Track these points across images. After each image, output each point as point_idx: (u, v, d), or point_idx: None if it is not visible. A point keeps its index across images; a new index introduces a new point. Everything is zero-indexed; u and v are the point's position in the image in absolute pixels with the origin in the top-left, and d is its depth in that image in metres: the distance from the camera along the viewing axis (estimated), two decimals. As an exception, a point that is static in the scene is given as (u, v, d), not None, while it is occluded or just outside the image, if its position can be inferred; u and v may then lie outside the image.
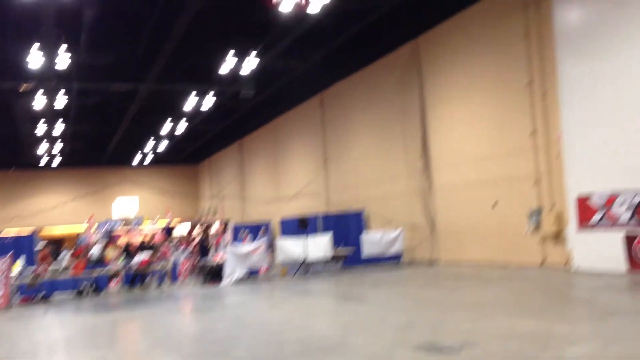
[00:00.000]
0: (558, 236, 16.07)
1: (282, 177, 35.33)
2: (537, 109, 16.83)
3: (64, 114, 28.57)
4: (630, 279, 13.03)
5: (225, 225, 29.08)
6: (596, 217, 14.67)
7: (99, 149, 41.11)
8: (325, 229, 22.01)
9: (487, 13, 18.71)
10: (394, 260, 21.34)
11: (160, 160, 46.06)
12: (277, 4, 16.32)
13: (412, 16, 20.04)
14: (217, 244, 23.48)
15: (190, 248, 24.07)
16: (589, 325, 8.35)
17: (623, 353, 6.69)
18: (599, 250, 14.50)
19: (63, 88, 23.56)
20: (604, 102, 14.45)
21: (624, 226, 13.93)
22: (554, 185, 16.34)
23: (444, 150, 20.80)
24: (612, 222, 14.23)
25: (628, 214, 13.84)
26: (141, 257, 19.18)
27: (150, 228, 30.83)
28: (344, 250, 21.19)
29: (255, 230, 22.24)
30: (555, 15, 15.85)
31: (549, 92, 16.38)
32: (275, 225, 28.64)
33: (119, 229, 29.81)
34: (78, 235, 35.20)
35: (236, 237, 21.94)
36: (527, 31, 17.11)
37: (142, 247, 21.41)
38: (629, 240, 13.74)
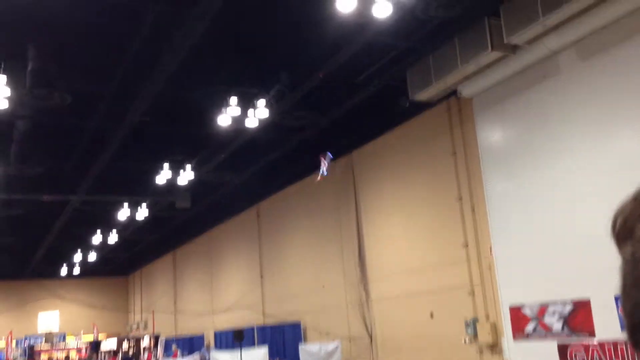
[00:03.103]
0: (495, 346, 16.22)
1: (217, 289, 34.52)
2: (467, 223, 17.47)
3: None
4: (566, 389, 13.16)
5: (156, 340, 27.85)
6: (529, 327, 14.96)
7: (21, 261, 39.27)
8: (262, 341, 21.47)
9: (416, 132, 19.72)
10: (332, 374, 20.83)
11: (87, 272, 44.26)
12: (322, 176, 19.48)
13: (346, 132, 20.90)
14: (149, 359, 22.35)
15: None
16: None
17: None
18: (535, 359, 14.70)
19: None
20: (529, 216, 15.20)
21: (557, 336, 14.25)
22: (487, 295, 16.69)
23: (381, 262, 21.04)
24: (545, 332, 14.53)
25: (560, 324, 14.21)
26: None
27: (75, 343, 29.13)
28: (280, 365, 20.59)
29: (187, 344, 21.40)
30: (479, 136, 16.92)
31: (478, 206, 17.12)
32: (210, 338, 27.65)
33: (41, 345, 28.03)
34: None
35: (167, 352, 21.01)
36: (454, 150, 18.09)
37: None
38: (562, 349, 14.01)
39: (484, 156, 16.66)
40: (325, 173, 19.58)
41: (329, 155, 19.40)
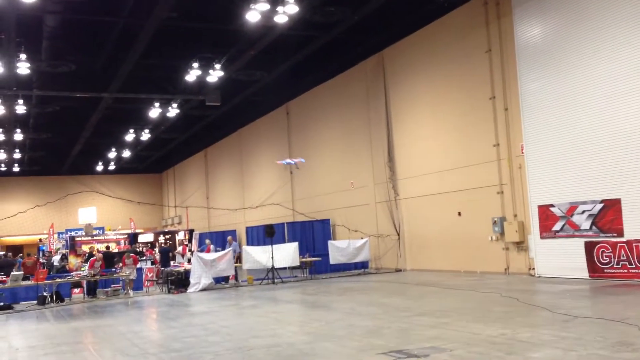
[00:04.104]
0: (521, 244, 16.44)
1: (248, 186, 35.23)
2: (499, 122, 17.22)
3: (22, 121, 28.03)
4: (591, 284, 13.41)
5: (190, 234, 28.89)
6: (557, 225, 15.06)
7: (59, 157, 40.40)
8: (292, 237, 22.04)
9: (450, 28, 19.09)
10: (361, 268, 21.48)
11: (123, 168, 45.49)
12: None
13: (377, 29, 20.32)
14: (183, 252, 23.28)
15: (153, 256, 23.80)
16: (551, 331, 8.54)
17: (583, 357, 6.89)
18: (560, 258, 14.90)
19: (22, 96, 23.11)
20: (564, 116, 14.89)
21: (585, 234, 14.34)
22: (516, 195, 16.72)
23: (410, 160, 21.08)
24: (573, 230, 14.62)
25: (588, 223, 14.25)
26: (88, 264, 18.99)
27: (113, 237, 30.41)
28: (310, 258, 21.23)
29: (220, 238, 22.14)
30: (516, 32, 16.30)
31: (511, 105, 16.79)
32: (242, 233, 28.50)
33: (81, 238, 29.33)
34: (40, 241, 34.45)
35: (201, 246, 21.80)
36: (489, 46, 17.53)
37: (106, 255, 21.06)
38: (589, 247, 14.15)
39: (521, 53, 16.14)
40: (283, 162, 21.92)
41: (302, 160, 21.76)
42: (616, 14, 13.54)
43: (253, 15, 16.19)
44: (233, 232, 29.30)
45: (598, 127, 14.01)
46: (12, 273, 17.67)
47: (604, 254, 13.86)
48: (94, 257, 18.93)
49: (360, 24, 18.72)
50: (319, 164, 27.04)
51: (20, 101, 23.58)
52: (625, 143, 13.41)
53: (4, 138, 30.43)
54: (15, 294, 17.88)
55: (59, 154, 39.23)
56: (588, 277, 14.09)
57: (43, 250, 32.31)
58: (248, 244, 24.48)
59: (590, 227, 14.21)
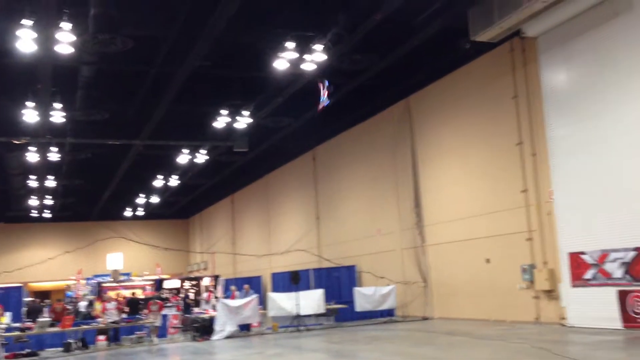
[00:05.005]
0: (552, 292, 16.05)
1: (274, 232, 35.22)
2: (527, 168, 17.08)
3: (55, 168, 28.62)
4: (625, 335, 12.97)
5: (215, 280, 28.84)
6: (589, 273, 14.71)
7: (89, 203, 40.99)
8: (317, 283, 21.83)
9: (476, 74, 19.19)
10: (387, 315, 21.14)
11: (151, 214, 45.90)
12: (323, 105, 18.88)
13: (403, 75, 20.49)
14: (208, 299, 23.19)
15: (178, 302, 23.74)
16: (586, 383, 8.27)
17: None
18: (593, 307, 14.48)
19: (56, 143, 23.63)
20: (593, 162, 14.72)
21: (617, 283, 13.96)
22: (546, 242, 16.42)
23: (437, 207, 20.92)
24: (605, 279, 14.26)
25: (621, 271, 13.90)
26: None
27: (140, 283, 30.51)
28: (336, 305, 20.98)
29: (245, 284, 22.04)
30: (542, 78, 16.31)
31: (539, 150, 16.67)
32: (267, 280, 28.32)
33: (108, 284, 29.47)
34: (67, 287, 34.67)
35: (226, 292, 21.70)
36: (515, 92, 17.54)
37: (131, 302, 21.10)
38: (623, 296, 13.75)
39: (548, 99, 16.11)
40: (326, 102, 18.93)
41: (326, 82, 18.52)
42: (643, 59, 13.50)
43: (281, 64, 16.52)
44: (258, 279, 29.20)
45: (627, 174, 13.79)
46: (39, 319, 17.75)
47: (638, 304, 13.45)
48: (105, 301, 19.00)
49: (386, 70, 18.93)
50: (345, 209, 26.99)
51: (54, 149, 24.09)
52: (657, 189, 13.17)
53: (37, 185, 31.02)
54: (42, 340, 17.91)
55: (89, 200, 39.82)
56: (622, 327, 13.64)
57: (70, 297, 32.47)
58: (274, 290, 24.32)
59: (623, 276, 13.84)
